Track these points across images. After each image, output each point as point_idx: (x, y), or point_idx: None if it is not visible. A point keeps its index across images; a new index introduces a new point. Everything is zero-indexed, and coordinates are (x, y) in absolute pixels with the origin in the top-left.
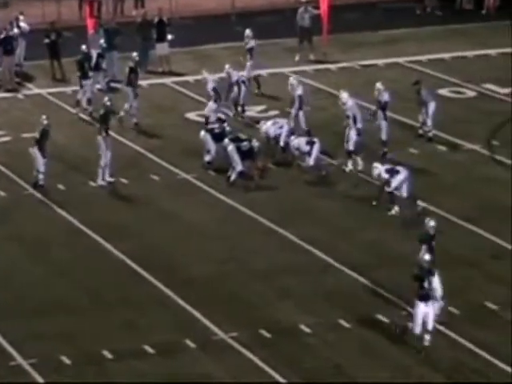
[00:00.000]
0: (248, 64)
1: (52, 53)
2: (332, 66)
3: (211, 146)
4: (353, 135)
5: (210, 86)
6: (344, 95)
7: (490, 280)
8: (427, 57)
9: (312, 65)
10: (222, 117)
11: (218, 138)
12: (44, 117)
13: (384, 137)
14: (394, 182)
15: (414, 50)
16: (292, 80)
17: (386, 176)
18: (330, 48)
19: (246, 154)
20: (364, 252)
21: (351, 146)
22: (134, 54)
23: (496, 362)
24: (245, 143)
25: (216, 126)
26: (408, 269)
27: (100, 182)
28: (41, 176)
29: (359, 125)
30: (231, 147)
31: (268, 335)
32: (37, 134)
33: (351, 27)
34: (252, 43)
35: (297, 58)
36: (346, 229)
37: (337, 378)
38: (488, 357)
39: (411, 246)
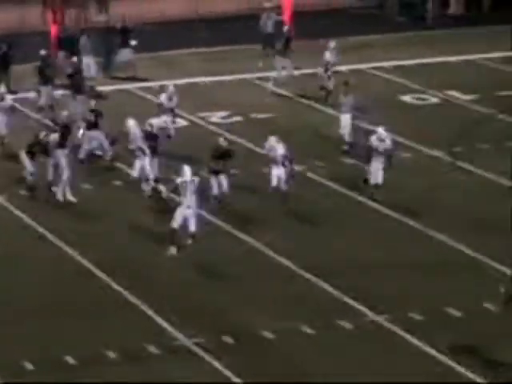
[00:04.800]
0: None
1: (2, 64)
2: (296, 72)
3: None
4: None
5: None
6: (131, 123)
7: (454, 286)
8: (391, 63)
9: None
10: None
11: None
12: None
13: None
14: None
15: (378, 57)
16: None
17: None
18: (294, 54)
19: None
20: (330, 258)
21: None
22: (74, 58)
23: (458, 368)
24: None
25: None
26: (375, 274)
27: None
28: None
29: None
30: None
31: (232, 341)
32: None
33: (316, 33)
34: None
35: (260, 64)
36: (313, 236)
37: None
38: (450, 363)
39: (380, 252)
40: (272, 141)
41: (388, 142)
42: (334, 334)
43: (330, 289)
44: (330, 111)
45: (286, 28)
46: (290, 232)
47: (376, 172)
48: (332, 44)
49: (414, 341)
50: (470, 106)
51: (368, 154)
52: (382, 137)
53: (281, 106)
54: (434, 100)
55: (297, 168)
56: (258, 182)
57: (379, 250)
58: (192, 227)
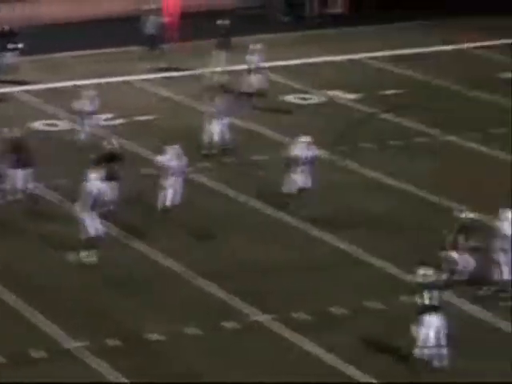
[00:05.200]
0: None
1: None
2: (179, 74)
3: None
4: None
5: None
6: None
7: (339, 284)
8: (276, 63)
9: (159, 72)
10: None
11: None
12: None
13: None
14: None
15: (263, 57)
16: None
17: None
18: (179, 55)
19: None
20: (217, 260)
21: None
22: None
23: (344, 367)
24: None
25: None
26: (262, 275)
27: None
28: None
29: None
30: None
31: (121, 344)
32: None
33: (200, 34)
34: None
35: (146, 65)
36: (202, 239)
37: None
38: (336, 362)
39: (266, 253)
40: (172, 150)
41: (312, 151)
42: (221, 335)
43: (217, 291)
44: None
45: (225, 23)
46: (179, 236)
47: (298, 179)
48: (256, 46)
49: (300, 340)
50: (353, 106)
51: (289, 163)
52: (304, 145)
53: (165, 107)
54: (318, 99)
55: None
56: (143, 186)
57: (266, 252)
58: (92, 231)
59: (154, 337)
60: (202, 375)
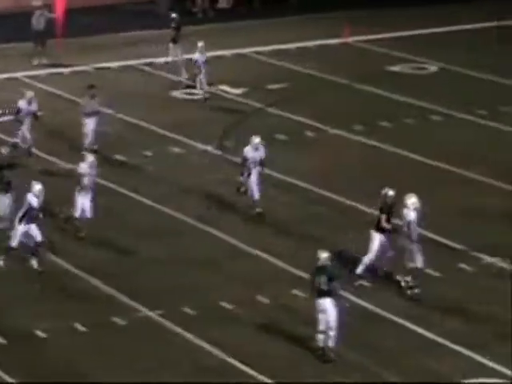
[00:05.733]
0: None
1: None
2: (66, 70)
3: None
4: None
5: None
6: None
7: (226, 279)
8: (162, 59)
9: (46, 69)
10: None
11: None
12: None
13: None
14: None
15: (148, 53)
16: None
17: None
18: (66, 51)
19: None
20: (103, 255)
21: None
22: None
23: (233, 361)
24: None
25: None
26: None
27: None
28: None
29: None
30: None
31: (3, 341)
32: None
33: (88, 30)
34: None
35: (35, 62)
36: (89, 233)
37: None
38: (224, 356)
39: (154, 248)
40: (90, 158)
41: (262, 151)
42: (107, 331)
43: (103, 286)
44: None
45: (175, 16)
46: (69, 233)
47: (253, 185)
48: (200, 43)
49: (188, 335)
50: (239, 100)
51: (243, 164)
52: (257, 146)
53: (50, 104)
54: (204, 94)
55: (65, 166)
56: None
57: (154, 248)
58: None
59: (38, 333)
60: (84, 374)
